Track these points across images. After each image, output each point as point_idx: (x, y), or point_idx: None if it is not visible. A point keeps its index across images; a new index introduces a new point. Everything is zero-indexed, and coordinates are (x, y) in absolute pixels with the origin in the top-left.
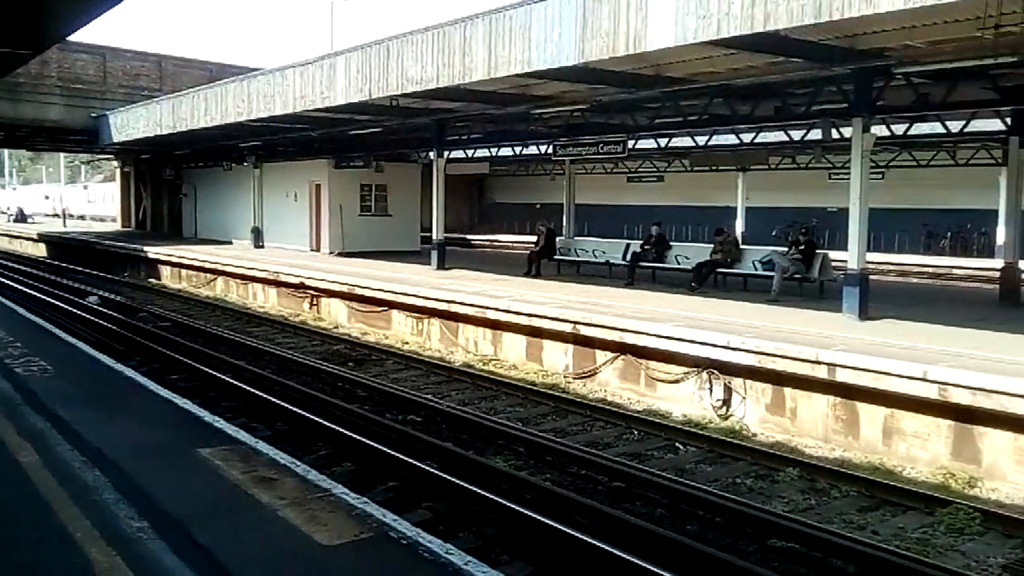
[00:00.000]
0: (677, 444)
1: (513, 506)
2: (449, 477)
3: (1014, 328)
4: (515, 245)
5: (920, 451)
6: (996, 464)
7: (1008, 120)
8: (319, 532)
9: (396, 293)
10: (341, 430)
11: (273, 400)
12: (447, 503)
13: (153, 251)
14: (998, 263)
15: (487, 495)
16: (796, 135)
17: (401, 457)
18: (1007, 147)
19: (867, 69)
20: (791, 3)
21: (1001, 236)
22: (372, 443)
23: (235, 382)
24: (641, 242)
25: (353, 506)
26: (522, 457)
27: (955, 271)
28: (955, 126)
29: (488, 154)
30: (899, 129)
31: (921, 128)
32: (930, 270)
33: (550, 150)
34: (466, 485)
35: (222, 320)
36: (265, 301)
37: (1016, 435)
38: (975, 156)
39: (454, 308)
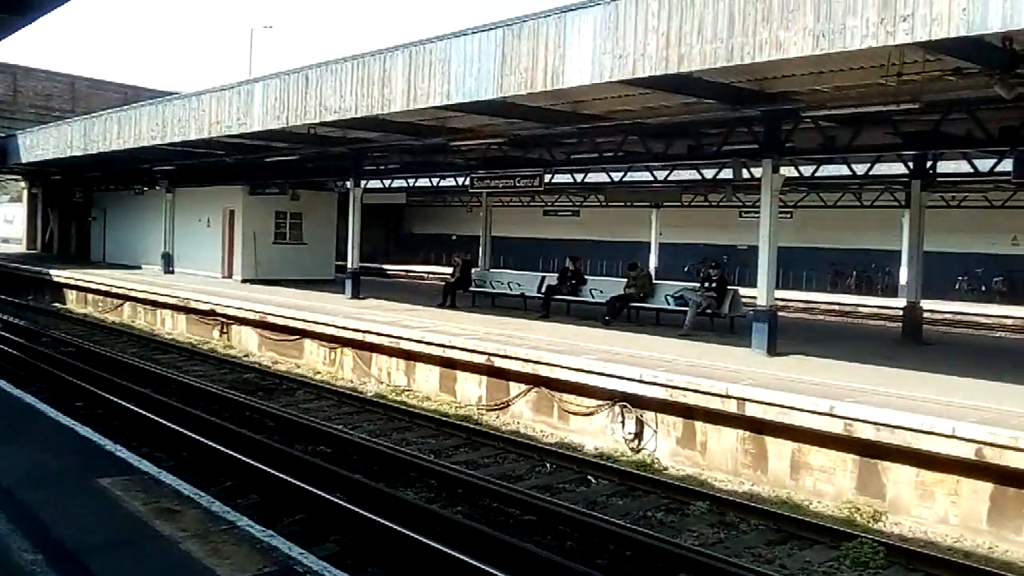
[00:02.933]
0: (589, 477)
1: (423, 539)
2: (358, 509)
3: (916, 365)
4: (431, 276)
5: (826, 485)
6: (899, 498)
7: (910, 164)
8: (221, 566)
9: (309, 322)
10: (248, 460)
11: (178, 429)
12: (356, 536)
13: (58, 275)
14: (901, 302)
15: (396, 528)
16: (708, 173)
17: (309, 489)
18: (909, 190)
19: (777, 112)
20: (704, 46)
21: (904, 276)
22: (279, 474)
23: (139, 410)
24: (557, 275)
25: (258, 539)
26: (434, 489)
27: (860, 309)
28: (860, 169)
29: (405, 184)
30: (807, 170)
31: (828, 170)
32: (836, 307)
33: (467, 182)
34: (375, 518)
35: (128, 346)
36: (174, 328)
37: (919, 470)
38: (879, 198)
39: (368, 338)
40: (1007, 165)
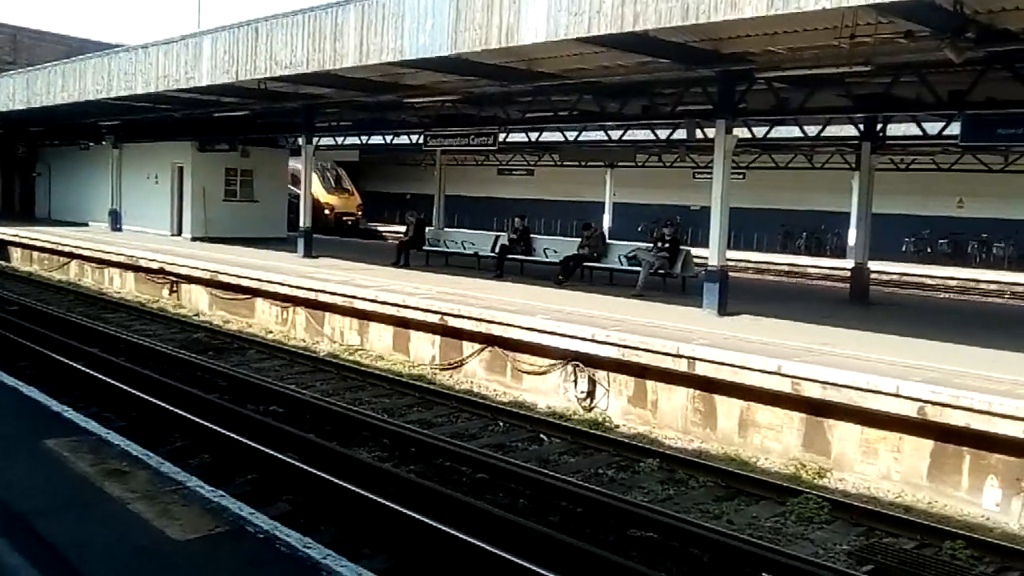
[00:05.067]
0: (542, 435)
1: (375, 498)
2: (310, 469)
3: (862, 325)
4: (385, 234)
5: (774, 443)
6: (844, 455)
7: (861, 126)
8: (171, 527)
9: (260, 281)
10: (198, 420)
11: (126, 389)
12: (308, 496)
13: (2, 232)
14: (849, 263)
15: (349, 487)
16: (663, 134)
17: (260, 448)
18: (859, 152)
19: (731, 72)
20: (660, 4)
21: (852, 237)
22: (230, 434)
23: (87, 370)
24: (508, 234)
25: (208, 499)
26: (387, 449)
27: (810, 270)
28: (812, 131)
29: (359, 142)
30: (760, 132)
31: (780, 131)
32: (786, 268)
33: (421, 140)
34: (328, 477)
35: (75, 305)
36: (122, 286)
37: (863, 428)
38: (830, 160)
39: (320, 297)
40: (955, 128)
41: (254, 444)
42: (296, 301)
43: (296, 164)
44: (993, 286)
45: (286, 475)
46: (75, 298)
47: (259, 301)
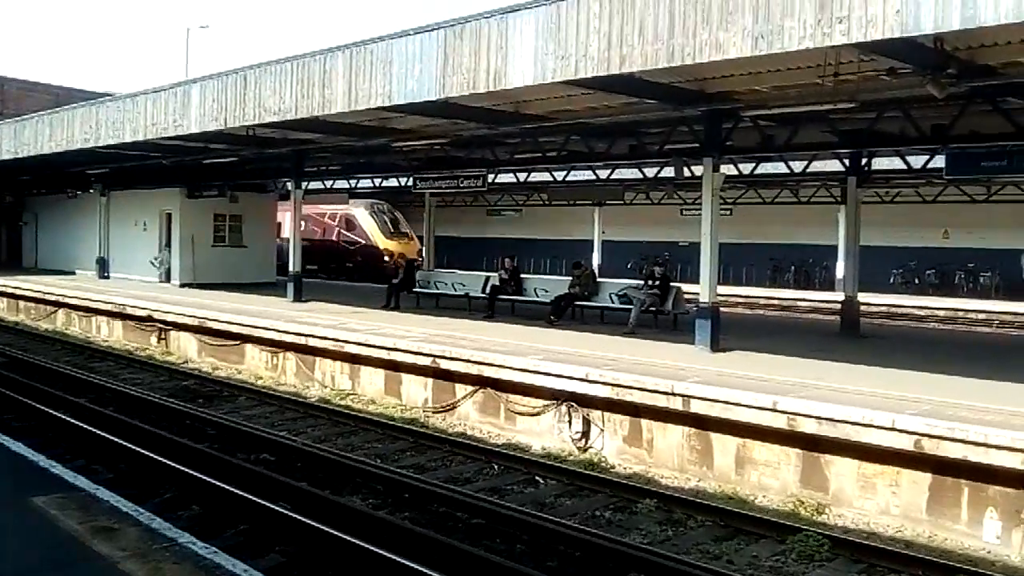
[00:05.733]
0: (537, 478)
1: (369, 547)
2: (303, 518)
3: (855, 359)
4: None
5: (771, 480)
6: (842, 490)
7: (846, 161)
8: None
9: (250, 326)
10: (188, 471)
11: (115, 440)
12: (301, 546)
13: None
14: (839, 296)
15: (343, 536)
16: (650, 172)
17: (252, 498)
18: (845, 186)
19: (717, 111)
20: (646, 47)
21: (840, 270)
22: (221, 484)
23: (74, 421)
24: (498, 274)
25: (201, 556)
26: (380, 495)
27: (799, 303)
28: (798, 166)
29: (347, 185)
30: (746, 168)
31: (767, 167)
32: (776, 302)
33: (410, 183)
34: (321, 527)
35: (62, 355)
36: (110, 335)
37: (860, 462)
38: (816, 194)
39: (311, 342)
40: (939, 161)
41: (245, 494)
42: (286, 346)
43: (349, 209)
44: (981, 315)
45: (278, 525)
46: (62, 347)
47: (248, 347)
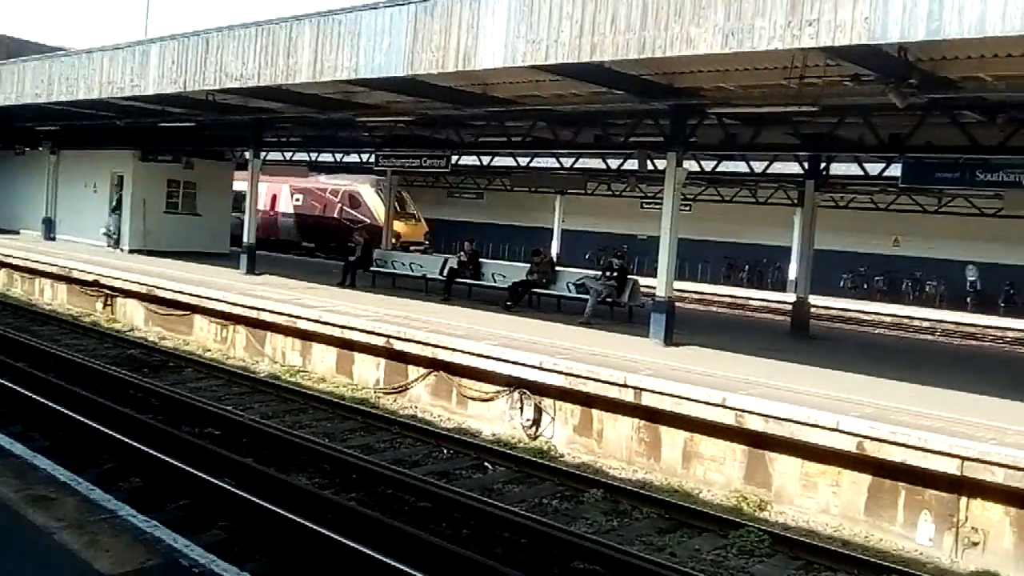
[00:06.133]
0: (486, 463)
1: (314, 527)
2: (246, 495)
3: (804, 359)
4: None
5: (716, 474)
6: (784, 488)
7: (805, 164)
8: (100, 559)
9: (200, 297)
10: (130, 442)
11: (54, 407)
12: (244, 523)
13: None
14: (790, 297)
15: (286, 515)
16: (614, 164)
17: (195, 473)
18: (803, 189)
19: (683, 107)
20: (617, 37)
21: (793, 272)
22: (164, 457)
23: (11, 385)
24: (457, 257)
25: (140, 529)
26: (327, 475)
27: (751, 302)
28: (758, 167)
29: (307, 158)
30: (708, 165)
31: (728, 166)
32: (729, 300)
33: (372, 159)
34: (264, 504)
35: (2, 317)
36: (53, 298)
37: (803, 461)
38: (774, 196)
39: (262, 316)
40: (894, 170)
41: (188, 468)
42: (236, 319)
43: (353, 186)
44: (925, 323)
45: (221, 501)
46: (2, 309)
47: (198, 318)
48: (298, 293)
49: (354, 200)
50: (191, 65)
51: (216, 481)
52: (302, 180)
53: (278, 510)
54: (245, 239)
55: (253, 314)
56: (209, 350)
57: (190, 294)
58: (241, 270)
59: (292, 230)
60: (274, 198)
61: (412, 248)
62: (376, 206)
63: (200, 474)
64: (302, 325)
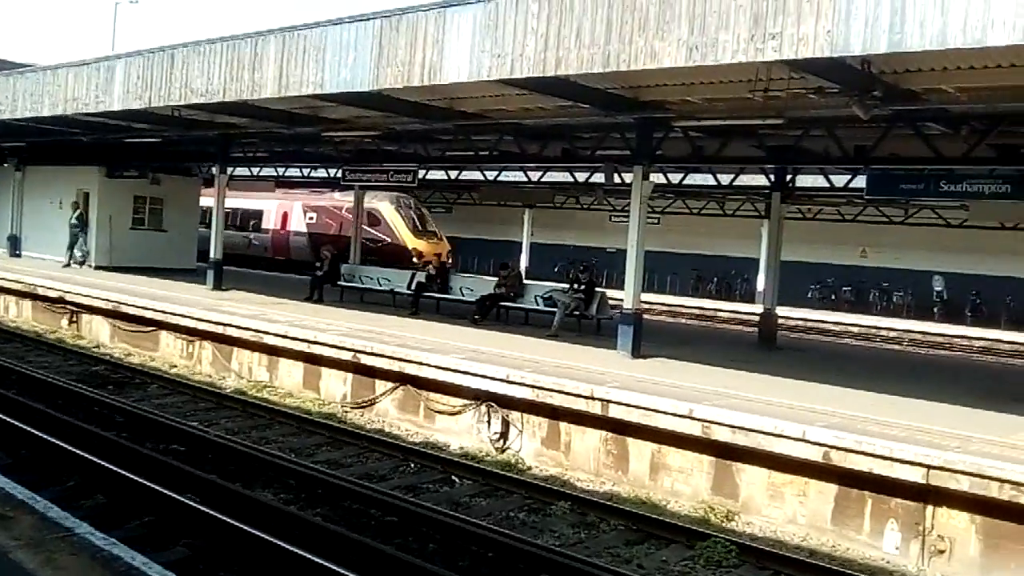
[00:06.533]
0: (453, 477)
1: (279, 543)
2: (211, 511)
3: (770, 370)
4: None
5: (684, 486)
6: (751, 498)
7: (771, 177)
8: None
9: (166, 312)
10: (92, 459)
11: (17, 424)
12: (208, 540)
13: None
14: (758, 308)
15: (251, 531)
16: (581, 177)
17: (158, 489)
18: (769, 201)
19: (649, 120)
20: (582, 51)
21: (761, 283)
22: (127, 474)
23: None
24: (425, 271)
25: (98, 547)
26: (293, 490)
27: (719, 313)
28: (725, 179)
29: (274, 173)
30: (675, 178)
31: (695, 179)
32: (698, 312)
33: (339, 174)
34: (229, 520)
35: None
36: (18, 315)
37: (770, 471)
38: (741, 208)
39: (229, 331)
40: (859, 181)
41: (152, 484)
42: (202, 335)
43: (371, 203)
44: (892, 333)
45: (185, 518)
46: None
47: (164, 334)
48: (265, 308)
49: (373, 218)
50: (156, 81)
51: (180, 498)
52: (316, 197)
53: (243, 526)
54: (212, 254)
55: (219, 329)
56: (175, 366)
57: (156, 310)
58: (208, 285)
59: (305, 250)
60: (285, 216)
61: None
62: (397, 224)
63: (163, 491)
64: (269, 340)
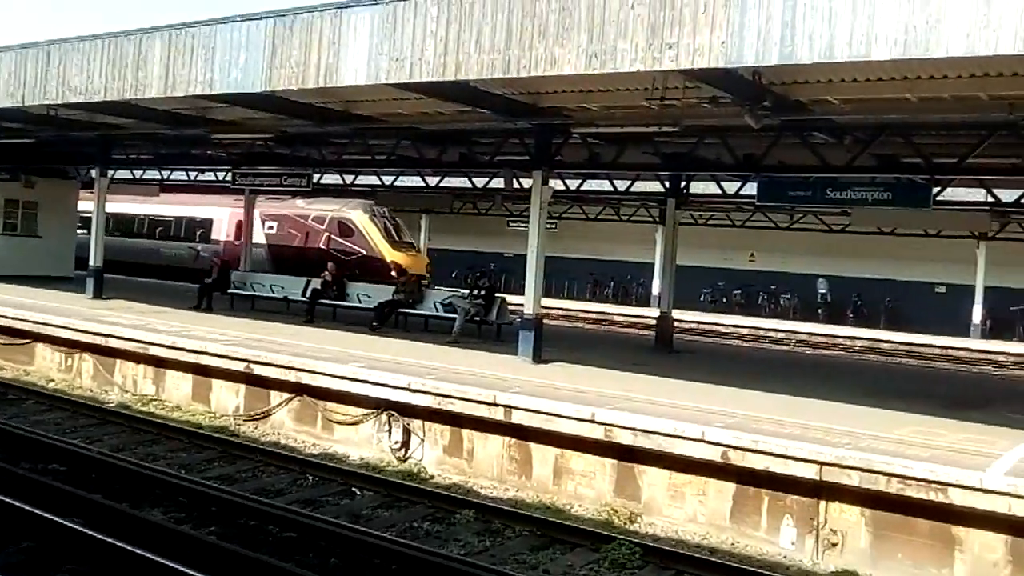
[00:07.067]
0: (354, 489)
1: (173, 565)
2: (97, 534)
3: (668, 372)
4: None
5: (587, 489)
6: (653, 500)
7: (666, 183)
8: None
9: (41, 323)
10: None
11: None
12: (94, 565)
13: None
14: (654, 312)
15: (142, 553)
16: (480, 182)
17: (38, 513)
18: (664, 207)
19: (548, 126)
20: (482, 56)
21: (656, 287)
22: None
23: None
24: (321, 278)
25: None
26: (184, 508)
27: (617, 318)
28: (621, 185)
29: (159, 177)
30: (573, 184)
31: (592, 184)
32: (596, 316)
33: (229, 178)
34: (117, 543)
35: None
36: None
37: (671, 472)
38: (636, 213)
39: (111, 342)
40: (750, 188)
41: (30, 508)
42: (83, 346)
43: (342, 211)
44: (781, 334)
45: (69, 542)
46: None
47: (40, 346)
48: (150, 318)
49: (345, 228)
50: (31, 78)
51: (62, 521)
52: (275, 206)
53: (132, 548)
54: (91, 261)
55: (101, 341)
56: (52, 380)
57: (30, 320)
58: (87, 294)
59: (264, 264)
60: (239, 226)
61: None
62: (374, 235)
63: (43, 514)
64: (155, 351)
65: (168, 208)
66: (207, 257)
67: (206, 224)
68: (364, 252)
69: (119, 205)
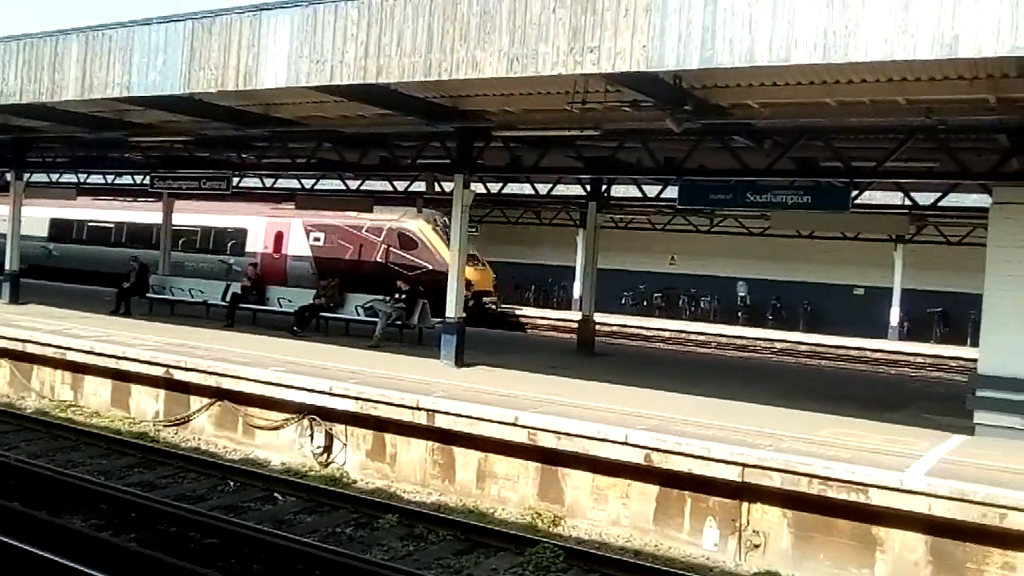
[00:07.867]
0: (276, 494)
1: (94, 573)
2: (15, 542)
3: (591, 375)
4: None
5: (511, 492)
6: (577, 502)
7: (588, 187)
8: None
9: None
10: None
11: None
12: (15, 574)
13: None
14: (576, 315)
15: (62, 561)
16: (401, 185)
17: None
18: (586, 210)
19: (469, 129)
20: (403, 59)
21: (578, 290)
22: None
23: None
24: (241, 282)
25: None
26: (104, 515)
27: (539, 321)
28: (543, 188)
29: (76, 180)
30: (495, 187)
31: (513, 188)
32: (517, 319)
33: (148, 180)
34: (36, 551)
35: None
36: None
37: (594, 475)
38: (558, 217)
39: (28, 348)
40: (671, 192)
41: None
42: None
43: (402, 221)
44: (701, 336)
45: None
46: None
47: None
48: (68, 323)
49: (407, 240)
50: None
51: None
52: (323, 215)
53: (51, 556)
54: (7, 265)
55: (17, 346)
56: None
57: None
58: (3, 299)
59: (308, 279)
60: (279, 237)
61: (485, 300)
62: (438, 248)
63: None
64: (72, 357)
65: (193, 217)
66: (242, 271)
67: (239, 235)
68: (430, 266)
69: (125, 213)
